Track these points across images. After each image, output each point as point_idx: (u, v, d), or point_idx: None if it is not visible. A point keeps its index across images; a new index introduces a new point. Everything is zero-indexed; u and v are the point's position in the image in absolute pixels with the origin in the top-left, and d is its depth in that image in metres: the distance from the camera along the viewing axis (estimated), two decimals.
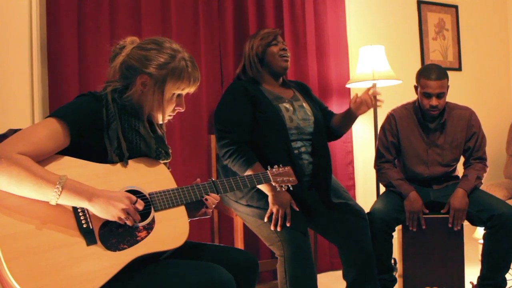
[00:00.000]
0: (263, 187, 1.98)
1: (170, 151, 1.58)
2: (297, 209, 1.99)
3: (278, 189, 1.74)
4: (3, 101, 2.44)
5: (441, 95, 2.33)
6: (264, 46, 2.18)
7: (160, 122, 1.52)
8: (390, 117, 2.53)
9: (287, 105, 2.15)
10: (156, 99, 1.44)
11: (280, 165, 1.77)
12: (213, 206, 1.57)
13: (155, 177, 1.47)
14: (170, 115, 1.52)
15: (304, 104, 2.22)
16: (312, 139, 2.15)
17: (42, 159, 1.27)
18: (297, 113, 2.14)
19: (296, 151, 2.08)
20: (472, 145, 2.44)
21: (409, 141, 2.48)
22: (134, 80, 1.44)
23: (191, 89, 1.50)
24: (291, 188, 1.77)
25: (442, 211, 2.34)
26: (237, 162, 2.00)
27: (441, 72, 2.33)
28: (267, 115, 2.07)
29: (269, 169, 1.74)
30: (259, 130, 2.07)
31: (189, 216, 1.51)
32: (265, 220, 1.95)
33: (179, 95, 1.49)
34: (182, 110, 1.53)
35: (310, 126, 2.16)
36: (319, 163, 2.13)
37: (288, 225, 1.93)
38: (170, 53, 1.44)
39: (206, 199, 1.53)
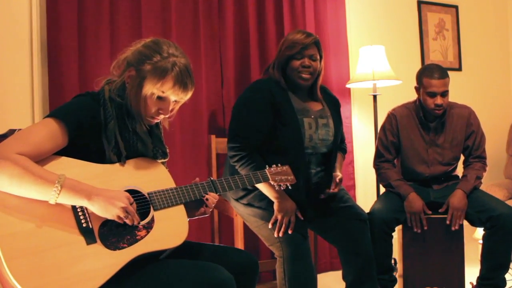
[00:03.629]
0: (268, 193, 1.96)
1: (167, 150, 1.58)
2: (302, 218, 1.98)
3: (277, 188, 1.74)
4: (3, 101, 2.44)
5: (445, 94, 2.33)
6: (287, 58, 2.04)
7: (140, 119, 1.45)
8: (391, 117, 2.53)
9: (311, 121, 2.06)
10: (134, 93, 1.41)
11: (279, 164, 1.76)
12: (213, 205, 1.57)
13: (154, 177, 1.47)
14: (153, 117, 1.46)
15: (330, 122, 2.13)
16: (324, 156, 2.13)
17: (41, 159, 1.28)
18: (318, 132, 2.07)
19: (306, 164, 2.07)
20: (471, 144, 2.44)
21: (410, 140, 2.47)
22: (125, 73, 1.44)
23: (175, 95, 1.43)
24: (289, 187, 1.77)
25: (440, 210, 2.34)
26: (245, 167, 1.97)
27: (443, 71, 2.33)
28: (288, 129, 1.99)
29: (267, 168, 1.74)
30: (276, 138, 2.01)
31: (188, 215, 1.51)
32: (270, 226, 1.95)
33: (162, 98, 1.42)
34: (166, 116, 1.47)
35: (326, 147, 2.11)
36: (324, 178, 2.13)
37: (290, 232, 1.92)
38: (164, 54, 1.41)
39: (207, 199, 1.53)
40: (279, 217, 1.92)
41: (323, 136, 2.09)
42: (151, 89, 1.40)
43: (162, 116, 1.47)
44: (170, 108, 1.46)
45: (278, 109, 2.00)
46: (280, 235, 1.92)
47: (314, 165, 2.10)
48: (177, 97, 1.44)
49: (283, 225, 1.92)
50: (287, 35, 2.11)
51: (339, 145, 2.26)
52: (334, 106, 2.22)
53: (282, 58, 2.06)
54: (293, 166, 1.84)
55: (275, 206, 1.94)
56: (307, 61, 2.03)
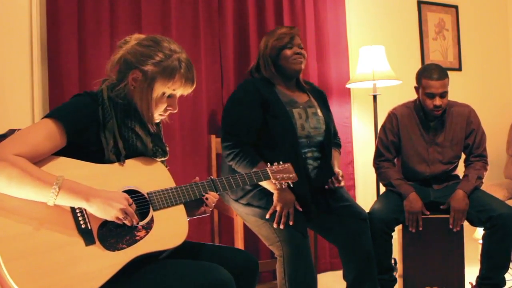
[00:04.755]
0: (267, 185, 1.97)
1: (167, 148, 1.57)
2: (300, 209, 1.99)
3: (278, 186, 1.74)
4: (3, 101, 2.44)
5: (444, 94, 2.33)
6: (278, 49, 2.12)
7: (151, 121, 1.47)
8: (392, 116, 2.53)
9: (301, 111, 2.11)
10: (145, 96, 1.42)
11: (280, 162, 1.76)
12: (213, 204, 1.56)
13: (153, 176, 1.47)
14: (161, 115, 1.49)
15: (318, 111, 2.18)
16: (320, 148, 2.14)
17: (39, 160, 1.27)
18: (309, 121, 2.11)
19: (302, 156, 2.08)
20: (471, 142, 2.44)
21: (410, 140, 2.47)
22: (127, 75, 1.44)
23: (184, 91, 1.46)
24: (291, 185, 1.77)
25: (441, 207, 2.33)
26: (241, 163, 1.99)
27: (442, 72, 2.33)
28: (279, 121, 2.03)
29: (268, 166, 1.73)
30: (269, 133, 2.04)
31: (188, 215, 1.51)
32: (267, 216, 1.94)
33: (170, 96, 1.45)
34: (174, 111, 1.49)
35: (320, 135, 2.14)
36: (324, 170, 2.13)
37: (291, 223, 1.92)
38: (166, 52, 1.42)
39: (207, 198, 1.53)
40: (278, 207, 1.92)
41: (314, 125, 2.12)
42: (162, 89, 1.42)
43: (168, 113, 1.49)
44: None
45: (267, 104, 2.05)
46: (281, 227, 1.92)
47: (311, 160, 2.11)
48: (185, 92, 1.47)
49: (282, 217, 1.92)
50: (268, 33, 2.22)
51: (333, 139, 2.28)
52: (320, 98, 2.28)
53: (273, 52, 2.14)
54: (289, 156, 1.86)
55: (275, 197, 1.94)
56: (297, 48, 2.13)
